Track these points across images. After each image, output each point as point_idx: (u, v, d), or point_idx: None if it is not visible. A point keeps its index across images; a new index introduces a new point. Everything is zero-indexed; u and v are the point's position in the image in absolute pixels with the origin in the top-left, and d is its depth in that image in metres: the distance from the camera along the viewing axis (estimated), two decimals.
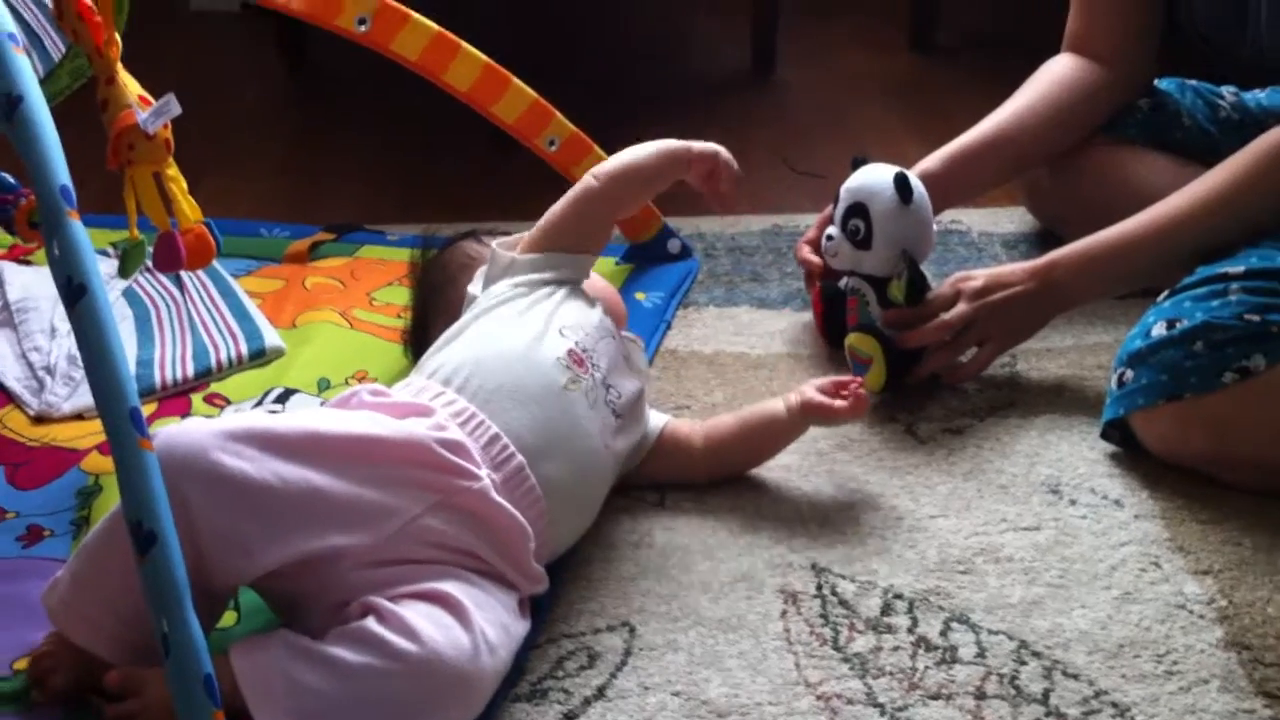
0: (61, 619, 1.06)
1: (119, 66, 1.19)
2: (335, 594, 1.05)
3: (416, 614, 1.02)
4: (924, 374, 1.49)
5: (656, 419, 1.35)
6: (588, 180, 1.35)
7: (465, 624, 1.03)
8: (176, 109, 1.17)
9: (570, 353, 1.23)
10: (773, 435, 1.35)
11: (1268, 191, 1.41)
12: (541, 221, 1.34)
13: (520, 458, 1.15)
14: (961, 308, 1.47)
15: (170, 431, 1.03)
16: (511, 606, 1.10)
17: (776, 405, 1.34)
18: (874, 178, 1.51)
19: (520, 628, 1.10)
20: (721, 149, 1.39)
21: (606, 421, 1.23)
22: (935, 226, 1.55)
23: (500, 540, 1.11)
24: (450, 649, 1.01)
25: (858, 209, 1.50)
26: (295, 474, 1.03)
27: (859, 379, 1.34)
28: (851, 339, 1.49)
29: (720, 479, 1.36)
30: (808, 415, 1.33)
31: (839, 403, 1.31)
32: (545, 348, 1.22)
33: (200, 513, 1.00)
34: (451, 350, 1.23)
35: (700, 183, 1.40)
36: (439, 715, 1.02)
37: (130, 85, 1.20)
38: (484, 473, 1.12)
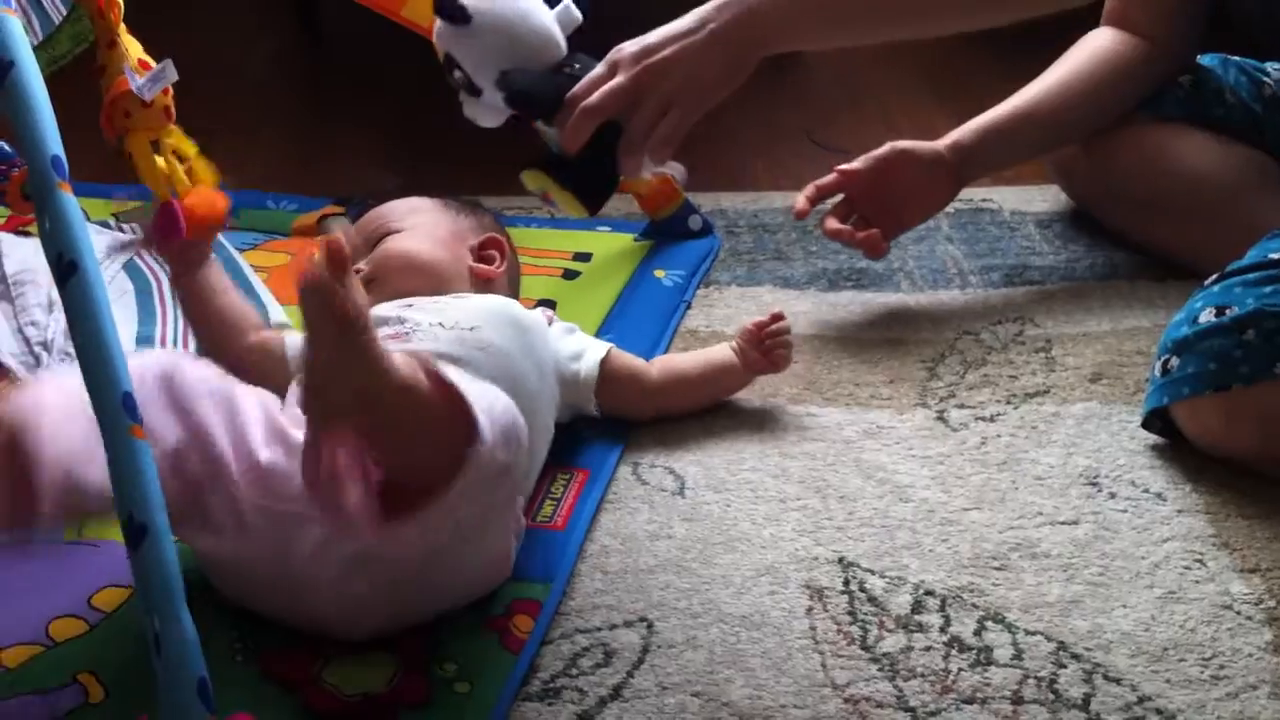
0: None
1: (121, 29, 1.16)
2: None
3: None
4: (628, 172, 1.31)
5: (595, 350, 1.34)
6: None
7: None
8: (173, 75, 1.14)
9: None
10: (728, 384, 1.40)
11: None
12: None
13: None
14: (619, 80, 1.29)
15: None
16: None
17: (729, 355, 1.39)
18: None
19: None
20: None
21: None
22: (966, 204, 1.49)
23: None
24: None
25: (448, 61, 1.33)
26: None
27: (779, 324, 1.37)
28: (524, 179, 1.34)
29: (663, 416, 1.37)
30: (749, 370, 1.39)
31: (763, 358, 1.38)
32: None
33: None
34: None
35: None
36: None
37: (132, 49, 1.16)
38: None
